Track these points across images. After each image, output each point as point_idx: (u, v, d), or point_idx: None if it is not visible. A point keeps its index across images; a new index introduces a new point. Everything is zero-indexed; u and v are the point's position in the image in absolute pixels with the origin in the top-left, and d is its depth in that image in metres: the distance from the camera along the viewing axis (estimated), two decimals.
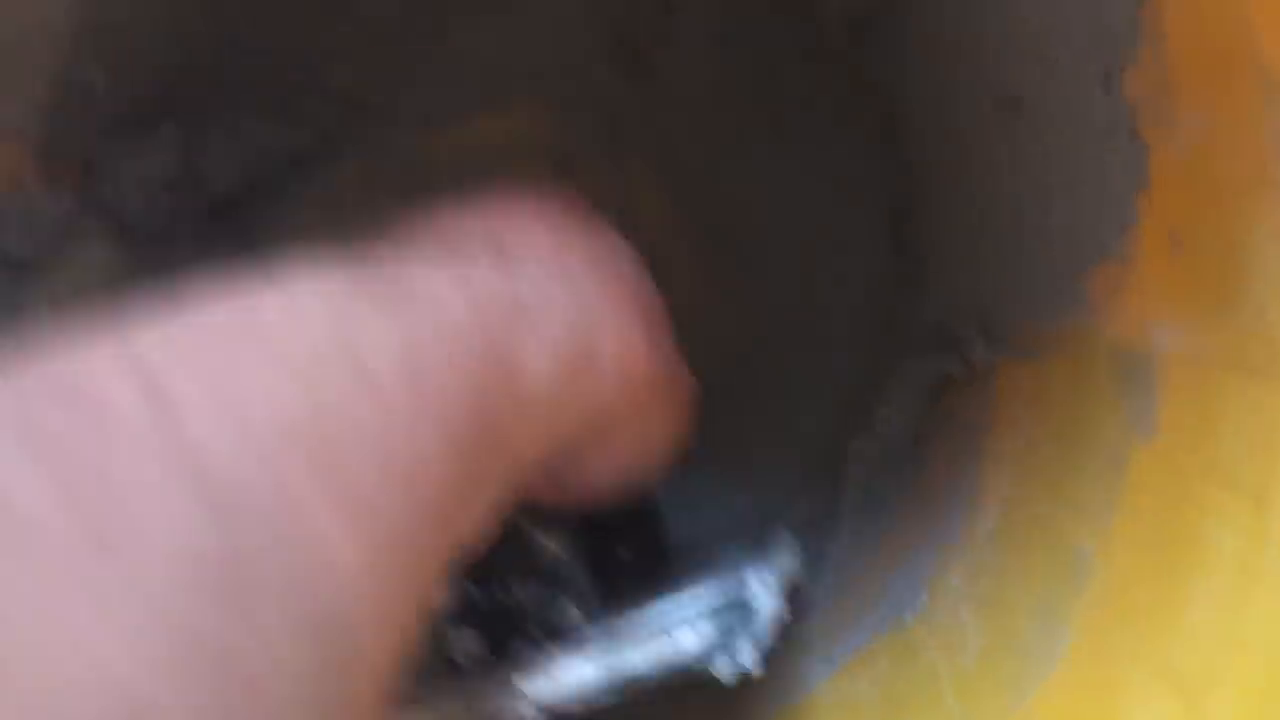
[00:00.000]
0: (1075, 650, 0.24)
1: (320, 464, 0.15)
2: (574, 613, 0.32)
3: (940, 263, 0.37)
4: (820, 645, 0.35)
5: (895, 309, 0.39)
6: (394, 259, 0.22)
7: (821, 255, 0.41)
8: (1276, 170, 0.20)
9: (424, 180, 0.41)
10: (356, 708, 0.16)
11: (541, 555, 0.33)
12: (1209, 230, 0.22)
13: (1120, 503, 0.24)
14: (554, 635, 0.30)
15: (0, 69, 0.28)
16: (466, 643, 0.31)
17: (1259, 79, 0.20)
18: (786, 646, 0.37)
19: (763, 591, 0.29)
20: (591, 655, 0.28)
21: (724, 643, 0.29)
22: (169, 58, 0.35)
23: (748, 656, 0.28)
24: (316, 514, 0.15)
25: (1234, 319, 0.21)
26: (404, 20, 0.40)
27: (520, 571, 0.32)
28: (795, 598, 0.30)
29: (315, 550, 0.15)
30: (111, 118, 0.34)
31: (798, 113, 0.41)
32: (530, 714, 0.26)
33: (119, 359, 0.15)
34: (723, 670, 0.29)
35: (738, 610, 0.30)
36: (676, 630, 0.28)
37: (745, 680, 0.31)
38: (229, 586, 0.14)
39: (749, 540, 0.40)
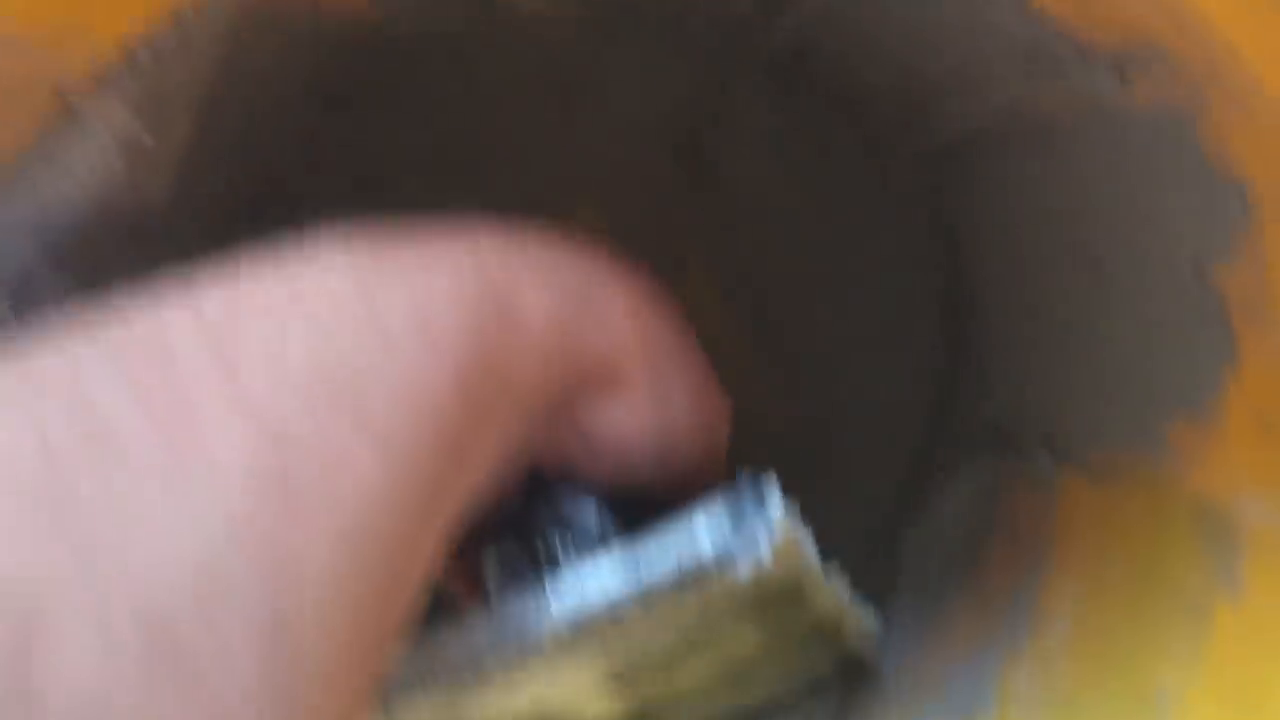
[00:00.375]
0: None
1: (346, 401, 0.19)
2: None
3: (1002, 368, 0.39)
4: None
5: (952, 405, 0.41)
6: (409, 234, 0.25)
7: (876, 350, 0.43)
8: None
9: None
10: (385, 617, 0.19)
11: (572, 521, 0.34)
12: None
13: (1206, 653, 0.26)
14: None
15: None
16: (492, 566, 0.32)
17: None
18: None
19: (773, 489, 0.30)
20: (611, 554, 0.29)
21: (737, 531, 0.29)
22: (261, 175, 0.36)
23: (764, 545, 0.29)
24: (346, 441, 0.19)
25: None
26: (471, 131, 0.41)
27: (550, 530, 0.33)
28: None
29: (348, 471, 0.18)
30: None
31: (855, 210, 0.42)
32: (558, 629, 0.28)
33: (187, 313, 0.19)
34: (741, 564, 0.28)
35: (751, 502, 0.31)
36: (693, 518, 0.29)
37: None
38: (282, 497, 0.17)
39: None
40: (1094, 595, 0.32)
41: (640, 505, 0.33)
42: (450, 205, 0.42)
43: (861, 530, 0.43)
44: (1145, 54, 0.23)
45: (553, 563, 0.32)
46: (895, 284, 0.42)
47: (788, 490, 0.43)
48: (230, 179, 0.37)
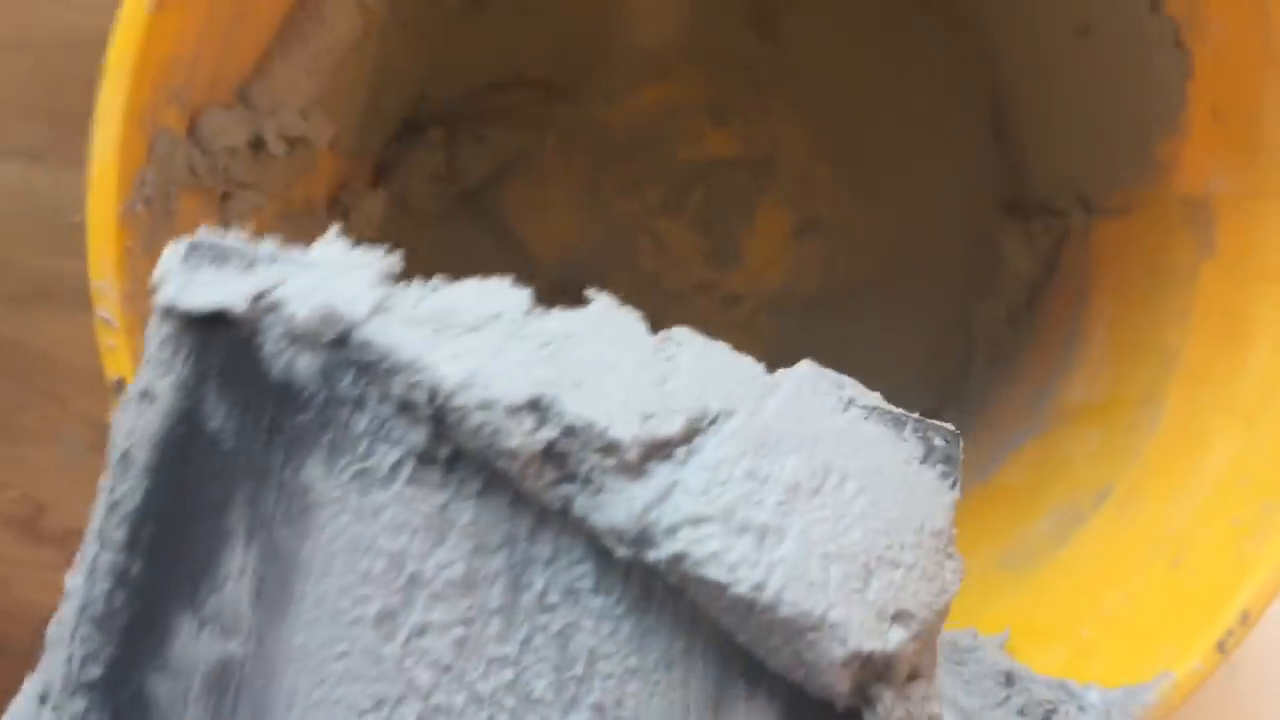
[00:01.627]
0: (1171, 415, 0.34)
1: None
2: None
3: (1039, 154, 0.46)
4: (971, 465, 0.46)
5: (1006, 195, 0.49)
6: None
7: (939, 160, 0.51)
8: (1278, 56, 0.29)
9: (608, 141, 0.52)
10: None
11: None
12: (1239, 103, 0.32)
13: (1195, 305, 0.34)
14: None
15: (340, 111, 0.38)
16: None
17: None
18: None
19: None
20: None
21: None
22: (429, 85, 0.46)
23: None
24: None
25: (1260, 161, 0.31)
26: (583, 20, 0.50)
27: None
28: None
29: None
30: (393, 131, 0.45)
31: (906, 48, 0.50)
32: None
33: None
34: None
35: None
36: None
37: None
38: None
39: None
40: (1120, 304, 0.40)
41: None
42: (570, 85, 0.51)
43: (939, 312, 0.51)
44: None
45: None
46: (947, 96, 0.50)
47: (874, 290, 0.52)
48: (421, 92, 0.47)
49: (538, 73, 0.50)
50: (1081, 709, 0.27)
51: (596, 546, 0.17)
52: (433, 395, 0.16)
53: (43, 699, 0.16)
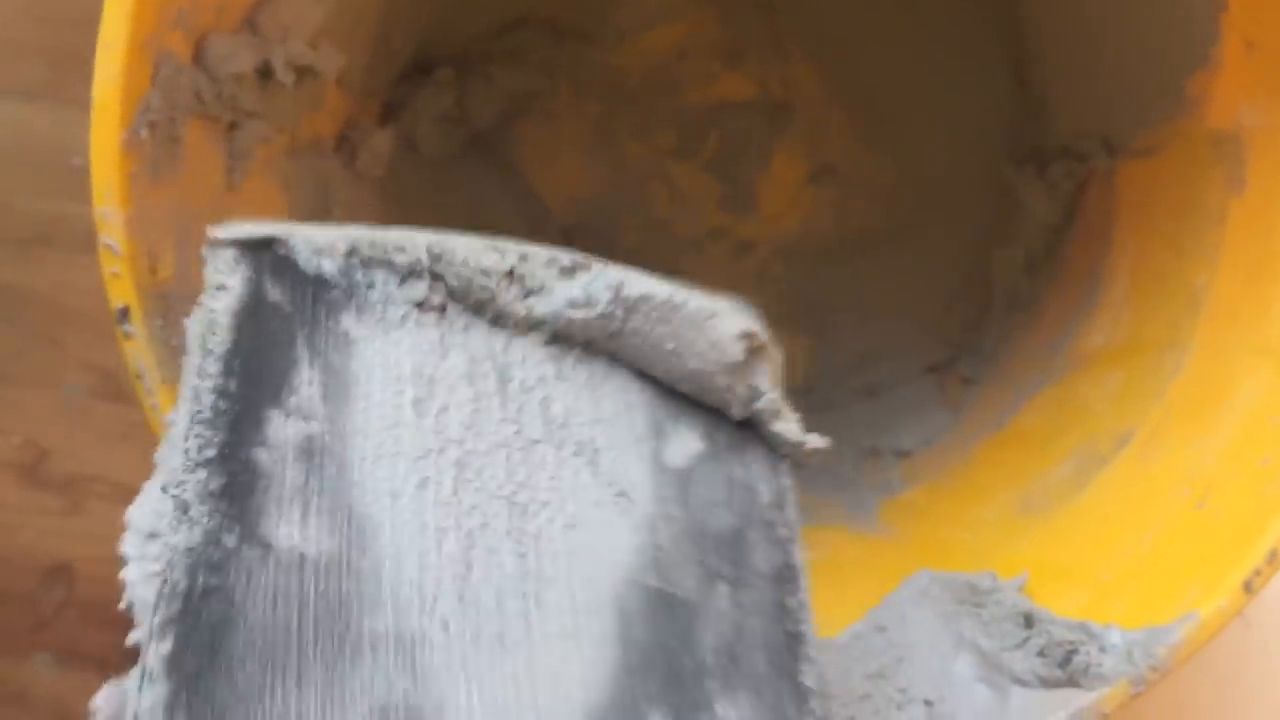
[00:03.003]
0: (1197, 357, 0.33)
1: None
2: None
3: (1062, 96, 0.45)
4: (989, 411, 0.45)
5: (1026, 137, 0.48)
6: None
7: (957, 105, 0.50)
8: None
9: (620, 84, 0.51)
10: None
11: None
12: (1272, 34, 0.31)
13: (1224, 244, 0.33)
14: None
15: (348, 43, 0.38)
16: None
17: None
18: (955, 423, 0.47)
19: None
20: None
21: None
22: (439, 23, 0.45)
23: None
24: None
25: None
26: None
27: None
28: None
29: None
30: (402, 70, 0.44)
31: None
32: None
33: None
34: None
35: None
36: None
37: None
38: None
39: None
40: (1145, 246, 0.39)
41: None
42: (582, 25, 0.50)
43: (957, 258, 0.50)
44: None
45: None
46: (967, 39, 0.49)
47: (891, 237, 0.51)
48: (431, 30, 0.46)
49: (549, 13, 0.49)
50: (1103, 649, 0.27)
51: (551, 348, 0.25)
52: (430, 254, 0.24)
53: (164, 488, 0.19)
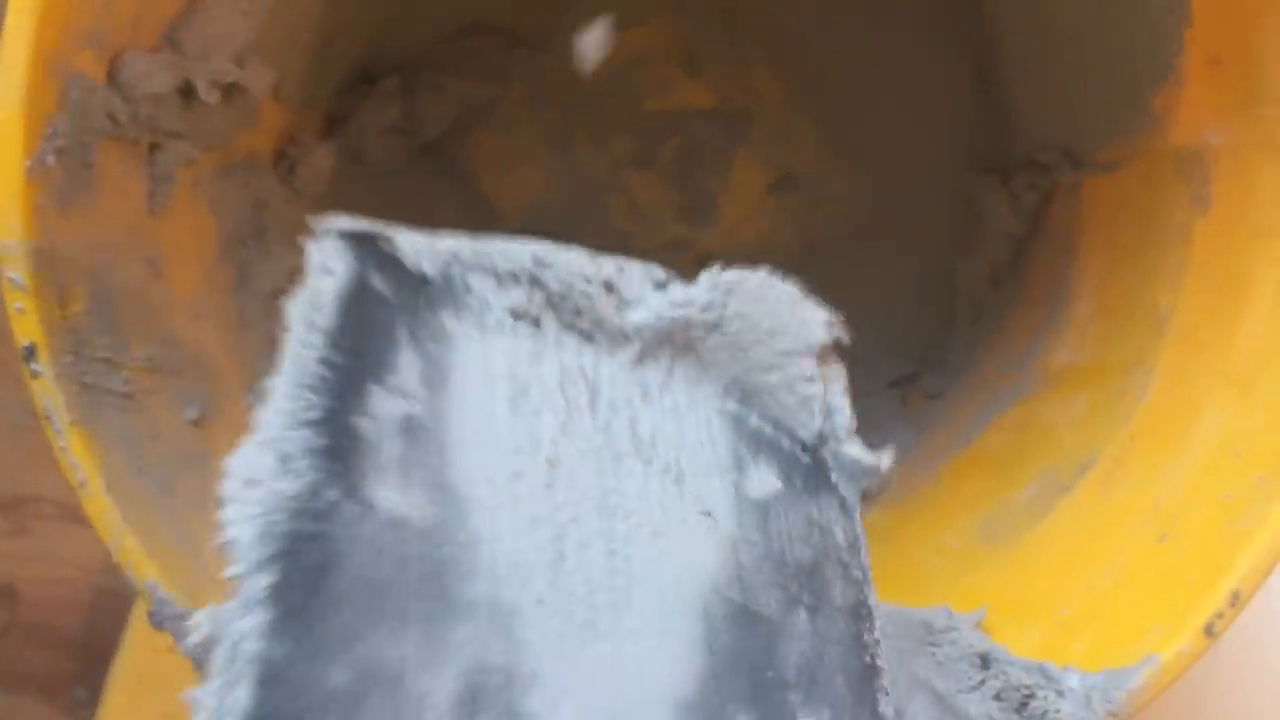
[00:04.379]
0: (1161, 381, 0.33)
1: None
2: None
3: (1026, 106, 0.44)
4: (953, 429, 0.44)
5: (989, 151, 0.47)
6: None
7: (921, 114, 0.48)
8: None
9: (576, 91, 0.50)
10: None
11: None
12: (1236, 50, 0.30)
13: (1189, 265, 0.32)
14: None
15: (280, 58, 0.36)
16: None
17: None
18: (918, 441, 0.46)
19: None
20: None
21: None
22: (385, 31, 0.43)
23: None
24: None
25: (1258, 113, 0.29)
26: None
27: None
28: None
29: None
30: (346, 80, 0.43)
31: None
32: None
33: None
34: None
35: None
36: None
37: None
38: None
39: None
40: (1110, 263, 0.38)
41: None
42: (537, 32, 0.49)
43: (920, 270, 0.49)
44: None
45: None
46: (931, 48, 0.48)
47: (853, 248, 0.50)
48: (376, 39, 0.44)
49: (501, 19, 0.48)
50: (1061, 694, 0.26)
51: (638, 373, 0.25)
52: (535, 260, 0.24)
53: (264, 443, 0.19)
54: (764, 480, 0.26)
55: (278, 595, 0.18)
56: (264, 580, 0.18)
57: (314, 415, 0.20)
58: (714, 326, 0.26)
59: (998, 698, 0.27)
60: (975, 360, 0.46)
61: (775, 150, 0.50)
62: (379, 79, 0.44)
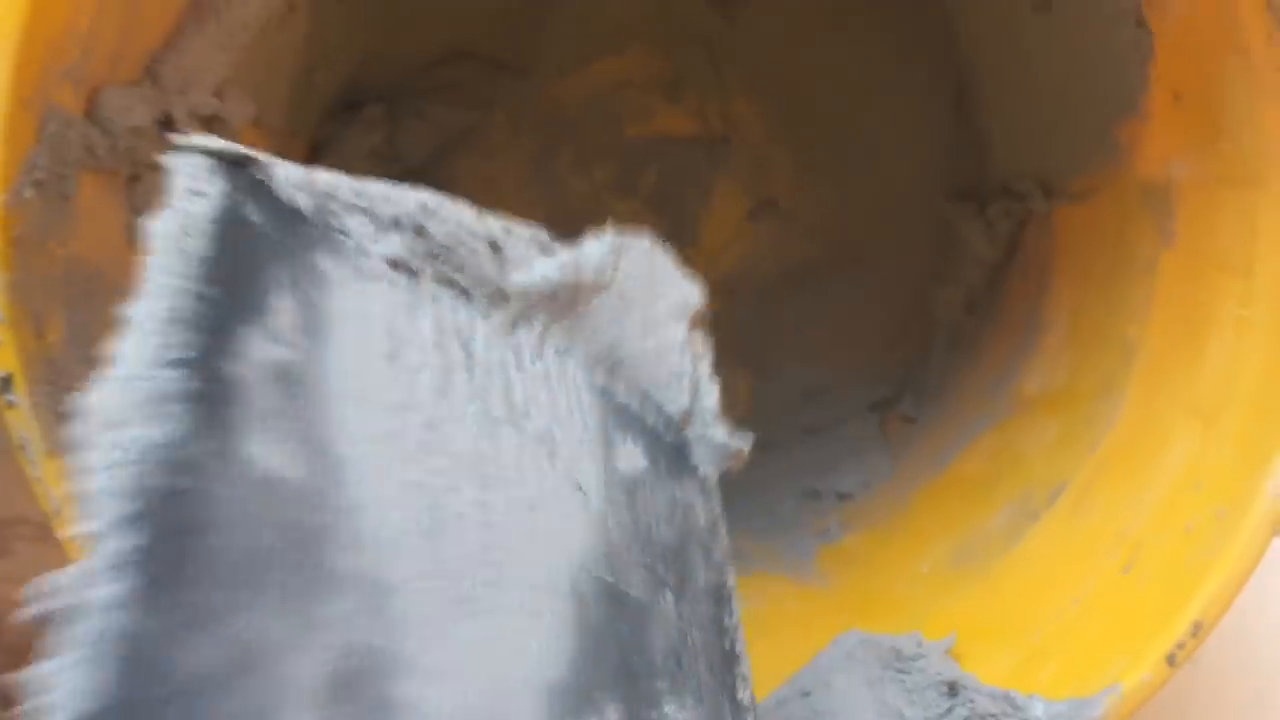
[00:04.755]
0: (1129, 410, 0.33)
1: None
2: None
3: (1001, 135, 0.45)
4: (928, 454, 0.44)
5: (966, 178, 0.47)
6: None
7: (898, 142, 0.49)
8: (1239, 39, 0.28)
9: (558, 117, 0.50)
10: None
11: None
12: (1198, 87, 0.30)
13: (1155, 296, 0.33)
14: None
15: (260, 89, 0.36)
16: None
17: None
18: (896, 465, 0.46)
19: None
20: None
21: None
22: (368, 59, 0.44)
23: None
24: None
25: (1218, 149, 0.30)
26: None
27: None
28: None
29: None
30: (330, 107, 0.43)
31: (868, 27, 0.48)
32: None
33: None
34: None
35: None
36: None
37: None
38: None
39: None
40: (1081, 292, 0.39)
41: None
42: (519, 60, 0.49)
43: (898, 296, 0.50)
44: None
45: None
46: (909, 76, 0.48)
47: (833, 273, 0.50)
48: (358, 68, 0.45)
49: (484, 47, 0.48)
50: None
51: (512, 339, 0.24)
52: (422, 208, 0.23)
53: (130, 379, 0.17)
54: (631, 458, 0.26)
55: (144, 561, 0.16)
56: (128, 541, 0.16)
57: (184, 354, 0.18)
58: (601, 288, 0.26)
59: None
60: (951, 385, 0.46)
61: (755, 176, 0.51)
62: (363, 106, 0.44)
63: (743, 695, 0.25)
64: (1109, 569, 0.29)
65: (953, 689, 0.28)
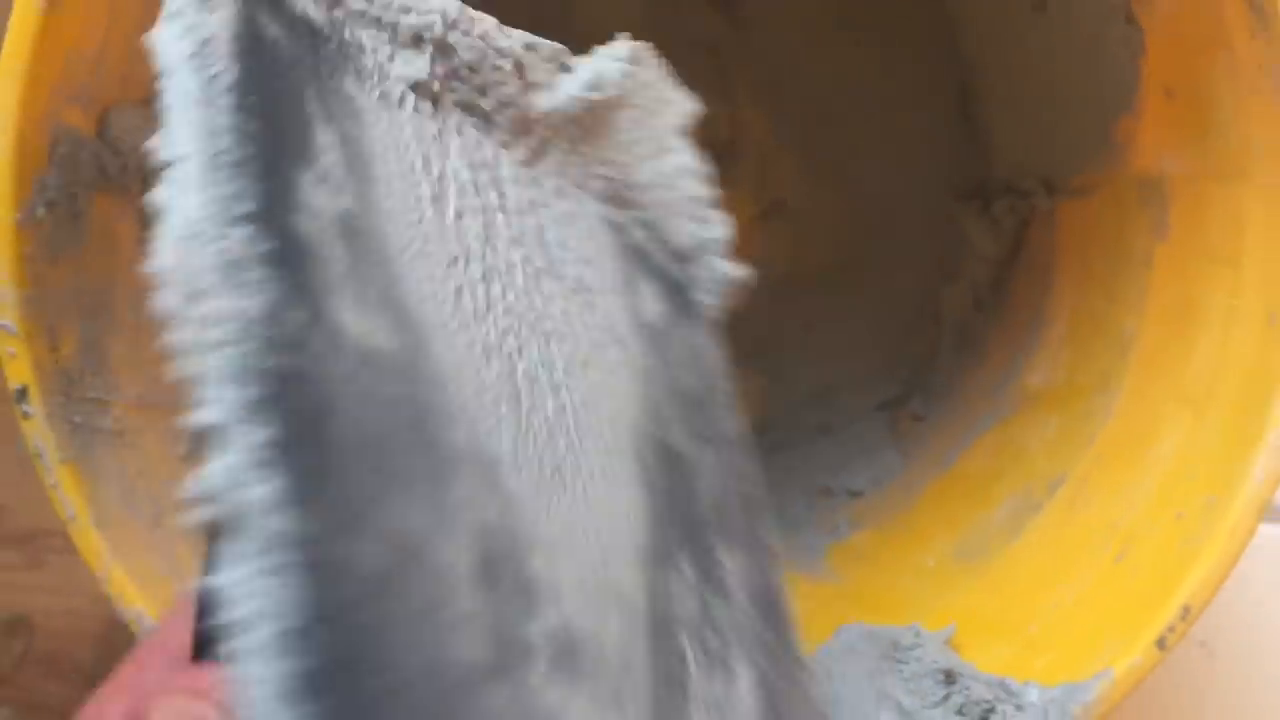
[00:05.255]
0: (1125, 403, 0.33)
1: None
2: None
3: (1004, 133, 0.45)
4: (937, 451, 0.45)
5: (971, 177, 0.48)
6: None
7: (903, 142, 0.49)
8: (1224, 34, 0.28)
9: None
10: None
11: None
12: (1189, 82, 0.31)
13: (1150, 289, 0.33)
14: None
15: None
16: None
17: None
18: (905, 463, 0.47)
19: None
20: None
21: None
22: None
23: None
24: None
25: (1208, 145, 0.30)
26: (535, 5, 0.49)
27: None
28: None
29: None
30: None
31: (872, 28, 0.49)
32: None
33: None
34: None
35: None
36: None
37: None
38: None
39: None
40: (1081, 287, 0.39)
41: None
42: None
43: (906, 295, 0.50)
44: None
45: None
46: (913, 77, 0.49)
47: (842, 274, 0.51)
48: None
49: None
50: (1019, 708, 0.27)
51: (531, 170, 0.23)
52: (445, 19, 0.21)
53: (194, 238, 0.15)
54: (653, 301, 0.25)
55: (284, 455, 0.14)
56: (261, 433, 0.14)
57: (249, 208, 0.15)
58: (621, 105, 0.24)
59: (960, 712, 0.28)
60: (959, 383, 0.47)
61: (763, 180, 0.51)
62: None
63: (768, 539, 0.25)
64: (1103, 558, 0.29)
65: (949, 677, 0.28)
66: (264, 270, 0.15)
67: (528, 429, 0.19)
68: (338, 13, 0.19)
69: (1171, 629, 0.26)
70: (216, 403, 0.14)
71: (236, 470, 0.14)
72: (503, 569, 0.17)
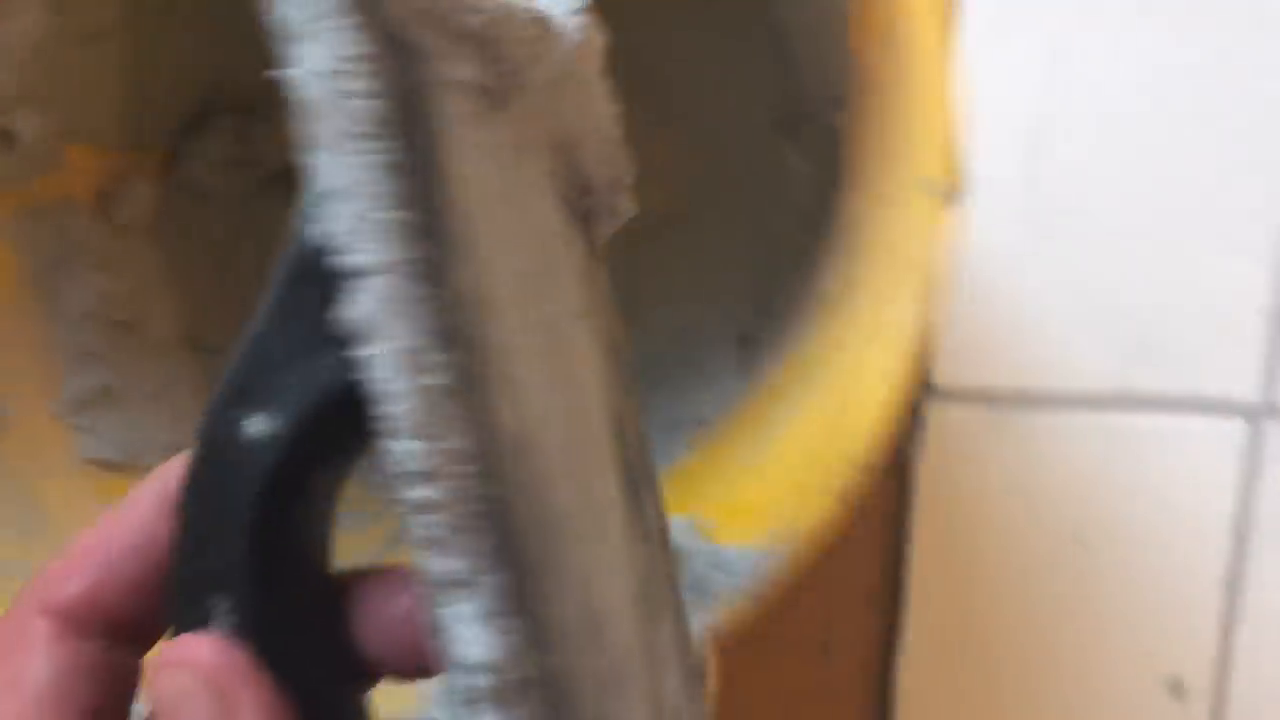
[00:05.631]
0: (862, 295, 0.35)
1: None
2: None
3: (804, 62, 0.48)
4: (766, 376, 0.47)
5: (784, 105, 0.50)
6: None
7: (724, 79, 0.52)
8: None
9: None
10: None
11: None
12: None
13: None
14: None
15: (68, 101, 0.40)
16: None
17: None
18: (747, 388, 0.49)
19: None
20: None
21: None
22: (220, 72, 0.48)
23: None
24: None
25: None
26: None
27: None
28: None
29: None
30: (185, 120, 0.47)
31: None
32: None
33: None
34: None
35: None
36: None
37: None
38: None
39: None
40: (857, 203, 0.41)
41: None
42: None
43: (750, 235, 0.52)
44: None
45: None
46: (735, 14, 0.51)
47: (692, 218, 0.53)
48: (210, 79, 0.49)
49: None
50: (720, 569, 0.29)
51: (514, 135, 0.20)
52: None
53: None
54: (579, 246, 0.23)
55: (508, 593, 0.15)
56: (496, 579, 0.14)
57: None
58: (587, 51, 0.23)
59: (692, 588, 0.30)
60: (794, 305, 0.49)
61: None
62: (218, 115, 0.49)
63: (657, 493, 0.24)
64: (817, 426, 0.32)
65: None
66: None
67: (563, 413, 0.18)
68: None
69: (852, 485, 0.28)
70: (450, 547, 0.14)
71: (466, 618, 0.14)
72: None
